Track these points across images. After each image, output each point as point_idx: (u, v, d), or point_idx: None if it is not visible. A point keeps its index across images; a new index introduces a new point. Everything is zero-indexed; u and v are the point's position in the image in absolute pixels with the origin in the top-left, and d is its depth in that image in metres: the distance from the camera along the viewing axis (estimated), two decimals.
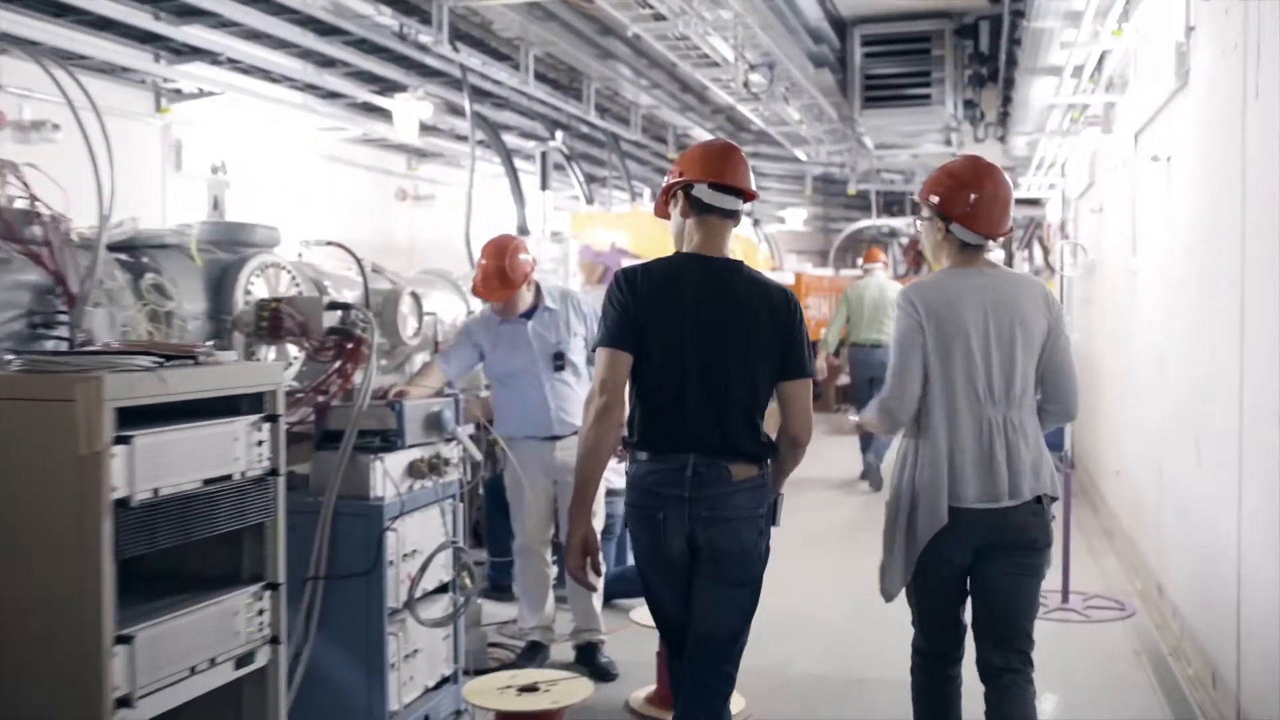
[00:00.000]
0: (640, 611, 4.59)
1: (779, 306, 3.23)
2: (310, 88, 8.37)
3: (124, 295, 3.77)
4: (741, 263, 3.30)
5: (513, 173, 9.60)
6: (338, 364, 4.24)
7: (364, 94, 8.81)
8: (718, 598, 3.19)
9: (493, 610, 5.95)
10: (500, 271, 4.88)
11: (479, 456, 4.49)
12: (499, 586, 6.26)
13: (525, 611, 5.18)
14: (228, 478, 2.97)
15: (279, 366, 3.35)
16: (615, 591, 6.11)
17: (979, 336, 3.28)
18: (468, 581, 4.18)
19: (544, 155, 7.81)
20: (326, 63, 8.27)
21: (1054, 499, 3.38)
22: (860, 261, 12.83)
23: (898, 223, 19.06)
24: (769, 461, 3.27)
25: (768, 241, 18.03)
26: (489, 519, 6.38)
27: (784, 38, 9.52)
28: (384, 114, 9.04)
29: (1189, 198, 5.17)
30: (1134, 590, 6.42)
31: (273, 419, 3.14)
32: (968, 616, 3.48)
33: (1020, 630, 3.36)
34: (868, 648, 5.43)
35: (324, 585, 3.93)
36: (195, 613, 2.88)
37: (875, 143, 13.57)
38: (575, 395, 4.98)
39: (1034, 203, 17.78)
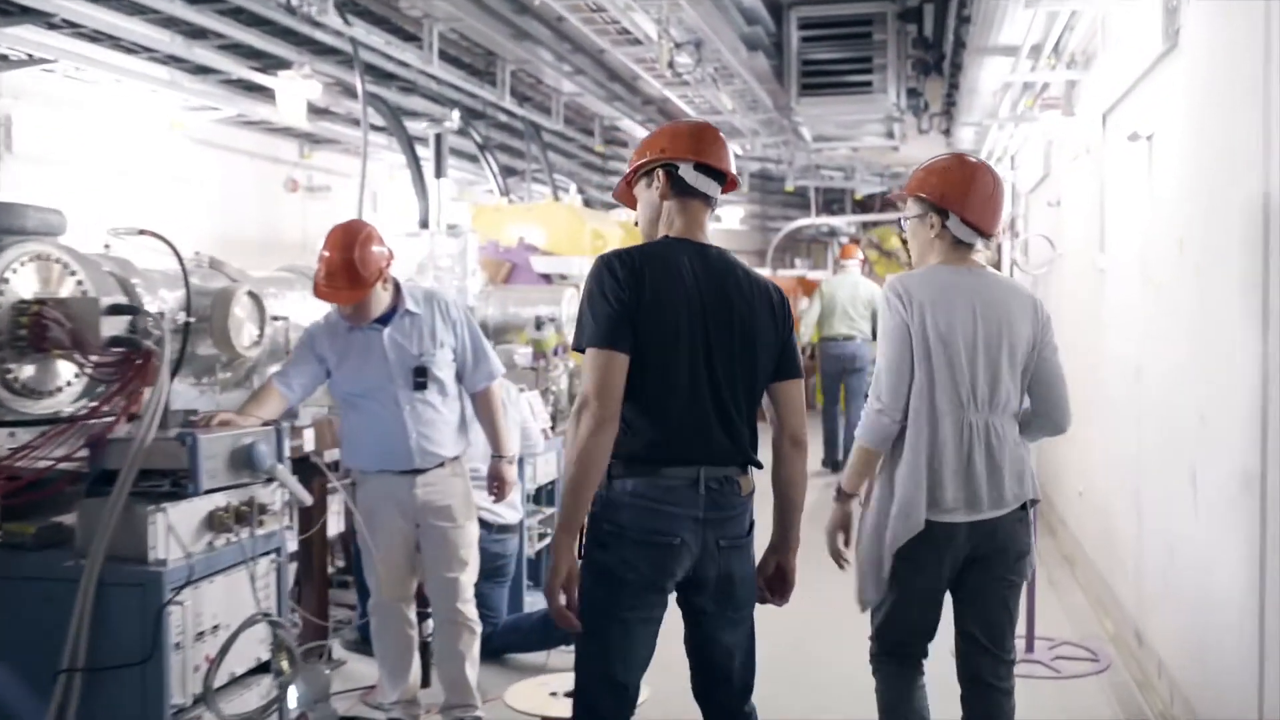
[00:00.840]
0: (516, 692, 3.69)
1: (777, 303, 3.01)
2: (174, 60, 7.37)
3: None
4: (728, 252, 3.04)
5: (415, 162, 8.68)
6: (120, 383, 3.32)
7: (242, 70, 7.83)
8: (735, 629, 2.97)
9: (359, 671, 5.01)
10: (348, 266, 3.94)
11: (307, 499, 3.56)
12: (370, 640, 5.31)
13: (385, 683, 4.25)
14: None
15: None
16: (507, 644, 5.21)
17: (966, 337, 3.17)
18: (285, 665, 3.23)
19: (438, 138, 6.88)
20: (196, 33, 7.28)
21: (1035, 501, 3.30)
22: (837, 258, 12.54)
23: (837, 221, 18.35)
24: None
25: None
26: (358, 563, 5.44)
27: (713, 14, 8.66)
28: (269, 94, 8.07)
29: (1179, 181, 4.37)
30: (1105, 633, 5.63)
31: None
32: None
33: (1008, 639, 3.33)
34: (807, 700, 4.56)
35: (85, 679, 2.98)
36: None
37: (813, 134, 12.79)
38: (441, 420, 4.07)
39: None
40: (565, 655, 5.16)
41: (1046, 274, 7.22)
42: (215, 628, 3.20)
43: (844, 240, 19.24)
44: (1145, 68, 4.75)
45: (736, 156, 15.09)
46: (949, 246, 3.27)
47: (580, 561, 2.80)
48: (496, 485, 4.28)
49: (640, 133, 14.11)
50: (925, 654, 3.39)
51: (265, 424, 3.53)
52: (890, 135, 12.72)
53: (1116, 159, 5.62)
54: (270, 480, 3.39)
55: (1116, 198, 5.66)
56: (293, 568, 5.36)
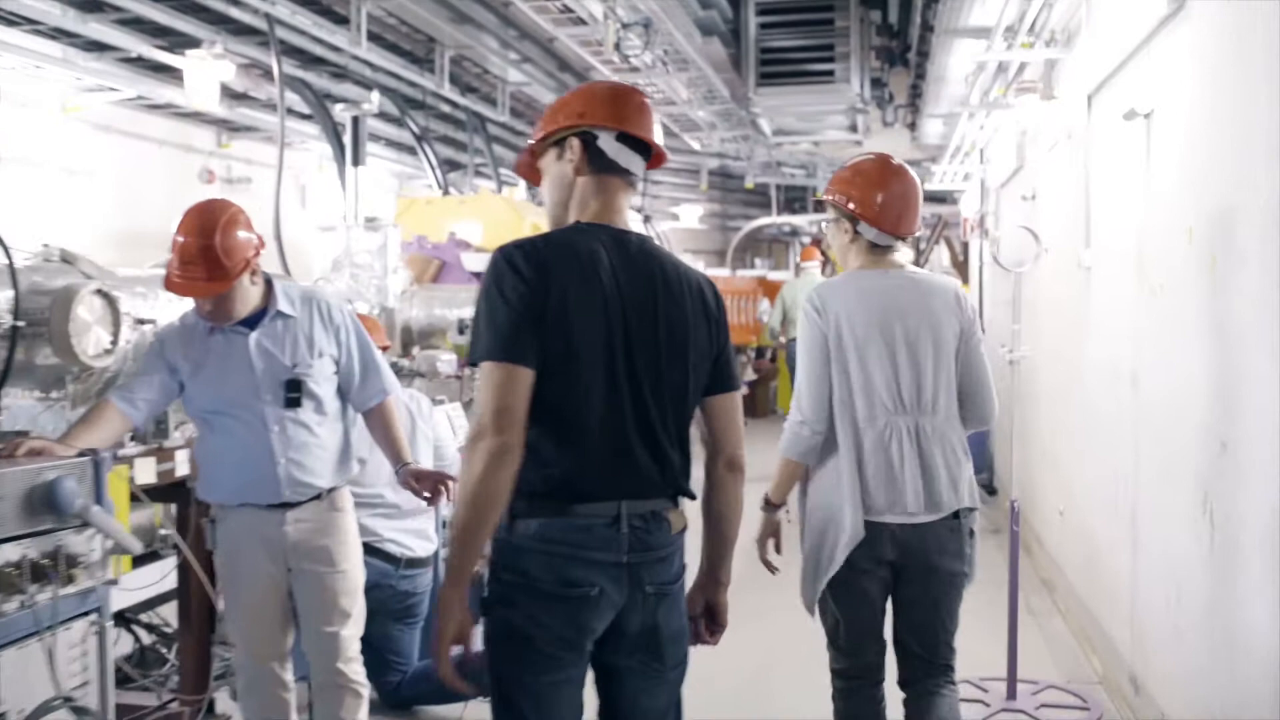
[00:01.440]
0: None
1: (712, 302, 2.56)
2: (65, 34, 6.66)
3: None
4: (652, 239, 2.57)
5: (340, 151, 8.01)
6: None
7: (145, 48, 7.13)
8: (660, 692, 2.51)
9: None
10: (207, 253, 3.26)
11: (136, 547, 2.88)
12: None
13: None
14: None
15: None
16: (418, 694, 4.56)
17: (886, 341, 3.15)
18: None
19: (356, 121, 6.20)
20: (91, 5, 6.60)
21: (971, 509, 3.22)
22: (798, 261, 12.03)
23: (799, 220, 17.77)
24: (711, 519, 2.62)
25: (660, 239, 16.59)
26: None
27: None
28: (178, 75, 7.38)
29: (1186, 163, 3.78)
30: (1093, 673, 5.04)
31: None
32: (888, 633, 3.32)
33: (944, 645, 3.28)
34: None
35: None
36: None
37: (773, 128, 12.23)
38: (316, 443, 3.39)
39: (940, 200, 16.68)
40: (484, 707, 4.51)
41: (1028, 271, 6.62)
42: (1, 716, 2.52)
43: (805, 240, 18.72)
44: (1143, 36, 4.17)
45: (694, 152, 14.67)
46: (865, 249, 3.26)
47: (482, 620, 2.35)
48: (429, 489, 3.54)
49: None
50: (882, 672, 3.31)
51: (81, 454, 2.84)
52: (853, 129, 12.18)
53: (1104, 143, 5.04)
54: (82, 525, 2.71)
55: (1104, 186, 5.08)
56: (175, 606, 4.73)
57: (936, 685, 3.27)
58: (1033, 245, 4.72)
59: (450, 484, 3.53)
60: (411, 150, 10.49)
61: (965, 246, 16.34)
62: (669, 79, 9.50)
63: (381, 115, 10.38)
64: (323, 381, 3.41)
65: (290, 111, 8.94)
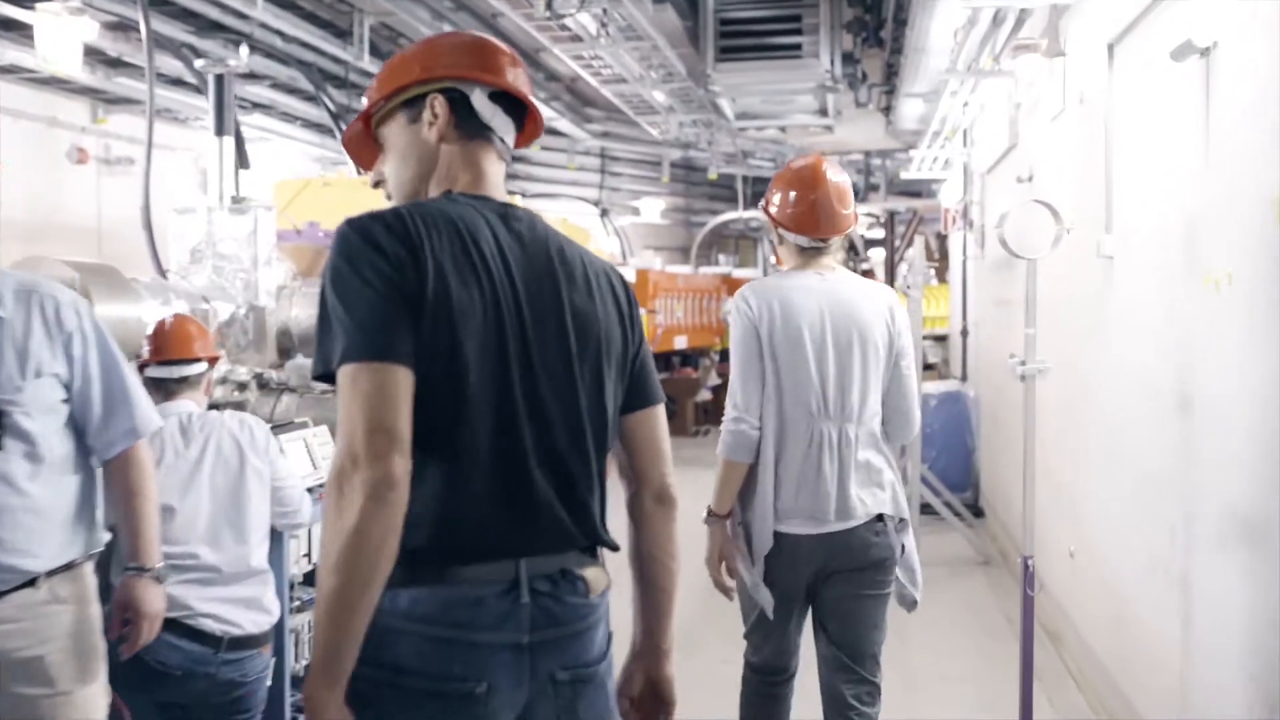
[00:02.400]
0: None
1: (623, 297, 2.01)
2: None
3: None
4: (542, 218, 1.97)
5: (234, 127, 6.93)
6: None
7: None
8: None
9: None
10: None
11: None
12: None
13: None
14: None
15: None
16: None
17: (814, 343, 3.13)
18: None
19: (220, 80, 5.09)
20: None
21: (902, 519, 3.20)
22: (776, 260, 10.90)
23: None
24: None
25: (619, 235, 15.55)
26: None
27: None
28: (30, 34, 6.29)
29: (1271, 107, 2.76)
30: None
31: None
32: (805, 635, 3.28)
33: (868, 657, 3.21)
34: None
35: None
36: None
37: (736, 111, 11.16)
38: (26, 506, 2.31)
39: (915, 193, 15.75)
40: None
41: (1003, 267, 5.59)
42: None
43: (774, 238, 17.72)
44: None
45: (655, 141, 13.57)
46: (795, 251, 3.28)
47: None
48: (127, 622, 2.54)
49: (546, 113, 12.43)
50: (791, 672, 3.29)
51: None
52: (823, 112, 11.14)
53: (1133, 100, 4.03)
54: None
55: (1133, 155, 4.07)
56: None
57: (863, 704, 3.19)
58: (1050, 225, 3.74)
59: (148, 626, 2.55)
60: (329, 131, 9.46)
61: (941, 241, 15.40)
62: (616, 50, 8.46)
63: (297, 92, 9.35)
64: (40, 414, 2.32)
65: (180, 83, 7.88)
